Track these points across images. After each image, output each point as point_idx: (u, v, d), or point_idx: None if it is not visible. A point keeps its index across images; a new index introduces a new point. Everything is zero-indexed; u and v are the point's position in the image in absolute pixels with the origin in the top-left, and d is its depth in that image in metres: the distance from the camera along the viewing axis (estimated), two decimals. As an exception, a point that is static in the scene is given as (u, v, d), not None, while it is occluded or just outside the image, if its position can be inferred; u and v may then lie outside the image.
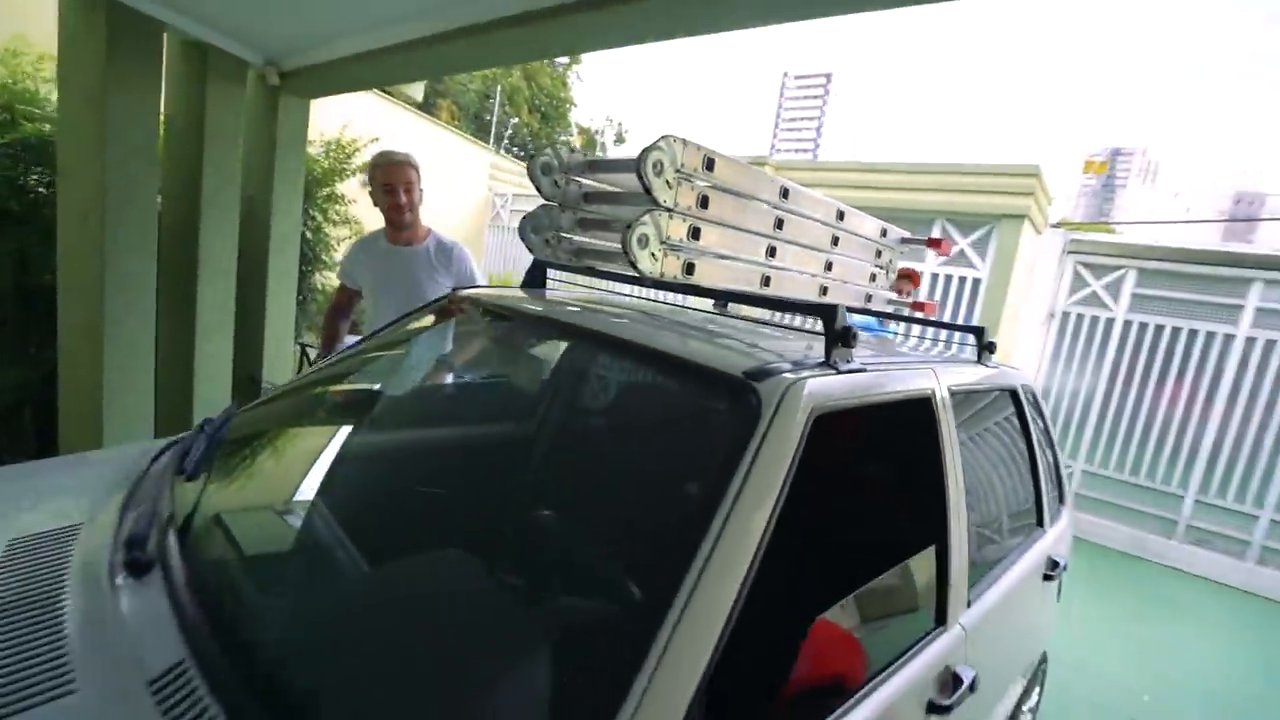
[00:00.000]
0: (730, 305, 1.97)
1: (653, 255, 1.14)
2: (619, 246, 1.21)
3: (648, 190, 1.09)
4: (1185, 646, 3.30)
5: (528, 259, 1.58)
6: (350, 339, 2.43)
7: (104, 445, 2.62)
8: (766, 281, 1.42)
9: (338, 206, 4.53)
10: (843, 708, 0.86)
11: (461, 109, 19.25)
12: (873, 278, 1.87)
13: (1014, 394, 1.72)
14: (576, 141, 19.43)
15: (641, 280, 1.31)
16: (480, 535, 1.02)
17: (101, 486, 1.12)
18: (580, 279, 1.59)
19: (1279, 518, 4.38)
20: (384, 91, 7.12)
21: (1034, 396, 1.86)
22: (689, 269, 1.23)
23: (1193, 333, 4.66)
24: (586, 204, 1.44)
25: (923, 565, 1.08)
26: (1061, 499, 1.90)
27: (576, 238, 1.46)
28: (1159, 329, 4.77)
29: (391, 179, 2.24)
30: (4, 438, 3.12)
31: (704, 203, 1.20)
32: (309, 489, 1.19)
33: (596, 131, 19.69)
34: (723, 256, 1.27)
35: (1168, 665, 3.01)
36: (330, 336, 2.48)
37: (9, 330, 3.03)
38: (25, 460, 1.30)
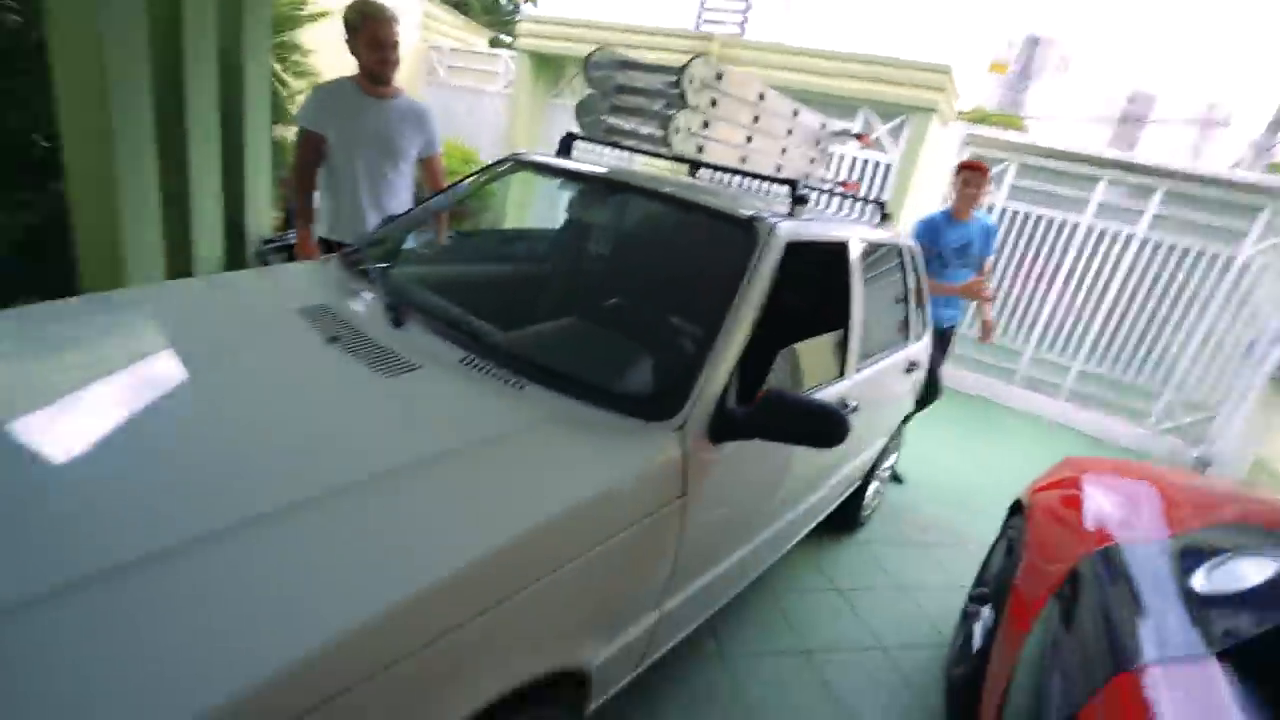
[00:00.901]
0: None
1: (681, 137, 1.71)
2: (645, 129, 1.78)
3: (682, 95, 1.64)
4: (997, 456, 4.52)
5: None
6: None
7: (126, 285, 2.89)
8: (744, 160, 2.03)
9: (294, 57, 4.47)
10: None
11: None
12: (812, 160, 2.51)
13: (900, 250, 2.46)
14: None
15: (659, 154, 1.87)
16: (592, 311, 1.70)
17: (307, 287, 1.62)
18: (596, 149, 2.12)
19: (1086, 369, 5.72)
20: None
21: (914, 255, 2.62)
22: (699, 149, 1.81)
23: (1050, 221, 5.67)
24: (618, 94, 1.94)
25: (836, 340, 1.82)
26: (924, 326, 2.74)
27: (609, 119, 1.97)
28: (1027, 216, 5.75)
29: (384, 33, 2.31)
30: (11, 279, 3.30)
31: (714, 103, 1.76)
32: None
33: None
34: (718, 143, 1.86)
35: (981, 465, 4.20)
36: (306, 190, 2.50)
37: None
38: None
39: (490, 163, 2.15)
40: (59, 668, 0.63)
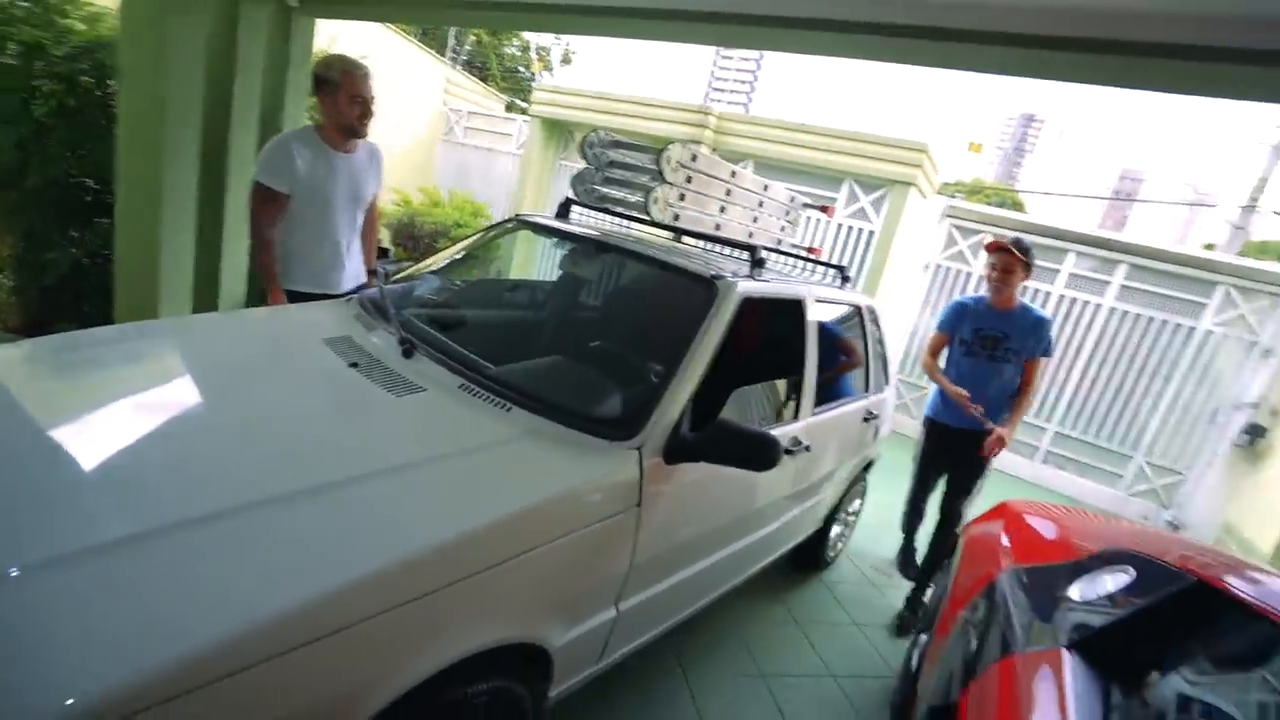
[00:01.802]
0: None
1: (659, 208, 2.01)
2: (633, 197, 2.09)
3: (660, 173, 1.95)
4: (970, 511, 4.68)
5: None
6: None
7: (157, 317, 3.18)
8: (718, 227, 2.33)
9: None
10: None
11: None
12: (783, 228, 2.83)
13: (859, 309, 2.75)
14: (534, 59, 19.01)
15: (641, 220, 2.18)
16: (573, 350, 1.96)
17: (330, 322, 1.89)
18: (590, 213, 2.43)
19: (1060, 430, 5.94)
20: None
21: (874, 313, 2.90)
22: (675, 217, 2.12)
23: (1024, 289, 6.00)
24: (610, 168, 2.27)
25: (791, 385, 2.07)
26: (887, 380, 2.99)
27: (601, 189, 2.28)
28: (1002, 283, 6.09)
29: (365, 89, 2.31)
30: (52, 308, 3.60)
31: (688, 180, 2.08)
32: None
33: (544, 49, 19.39)
34: (693, 212, 2.17)
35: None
36: (269, 244, 2.35)
37: (55, 213, 3.45)
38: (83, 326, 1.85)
39: (497, 220, 2.47)
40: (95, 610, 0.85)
